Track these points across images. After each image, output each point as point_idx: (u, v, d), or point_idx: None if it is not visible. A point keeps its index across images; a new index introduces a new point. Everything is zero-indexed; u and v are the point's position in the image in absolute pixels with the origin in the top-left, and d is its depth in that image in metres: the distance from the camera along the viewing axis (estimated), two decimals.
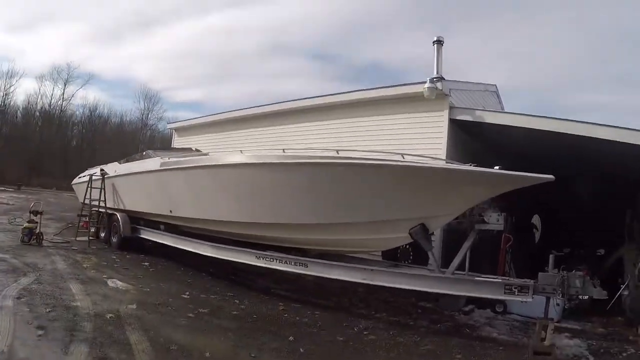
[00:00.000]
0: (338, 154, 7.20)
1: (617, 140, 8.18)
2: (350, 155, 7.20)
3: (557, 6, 66.62)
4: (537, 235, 13.09)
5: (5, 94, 48.75)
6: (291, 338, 5.85)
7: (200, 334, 5.73)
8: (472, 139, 10.91)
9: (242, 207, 8.02)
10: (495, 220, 6.51)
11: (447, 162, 7.87)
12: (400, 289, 6.93)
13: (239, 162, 8.06)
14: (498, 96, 14.32)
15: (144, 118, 58.32)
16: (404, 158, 6.66)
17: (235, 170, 7.98)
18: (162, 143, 41.24)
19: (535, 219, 13.46)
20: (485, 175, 5.89)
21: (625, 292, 8.14)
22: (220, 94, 78.27)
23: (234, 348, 5.36)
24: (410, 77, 75.04)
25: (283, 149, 8.04)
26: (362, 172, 6.51)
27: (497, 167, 5.78)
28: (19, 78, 50.49)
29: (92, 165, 14.77)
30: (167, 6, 78.25)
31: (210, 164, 8.68)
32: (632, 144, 8.03)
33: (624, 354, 6.46)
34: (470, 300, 8.30)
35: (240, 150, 8.58)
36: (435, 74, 10.15)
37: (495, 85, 14.15)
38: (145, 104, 58.14)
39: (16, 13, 71.12)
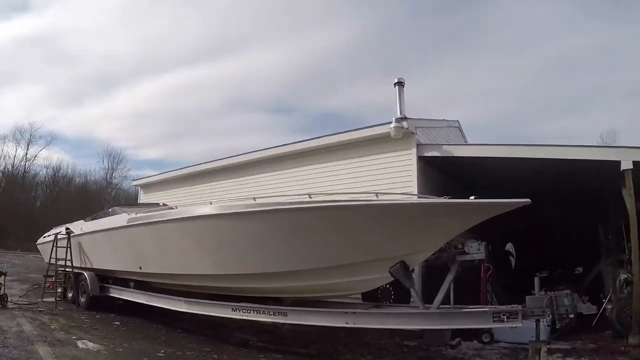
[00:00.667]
0: (310, 198, 7.06)
1: (589, 158, 8.51)
2: (323, 199, 7.03)
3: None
4: (513, 262, 13.14)
5: None
6: None
7: None
8: (441, 174, 11.01)
9: (214, 259, 7.70)
10: (476, 250, 6.36)
11: (419, 197, 7.83)
12: (383, 329, 6.73)
13: (208, 213, 7.76)
14: (461, 131, 14.66)
15: (108, 177, 57.52)
16: (377, 197, 6.57)
17: (205, 221, 7.69)
18: (127, 201, 40.44)
19: (509, 246, 13.53)
20: (461, 206, 5.82)
21: (609, 306, 8.25)
22: (183, 151, 76.88)
23: None
24: (366, 122, 76.36)
25: (254, 198, 7.85)
26: (337, 215, 6.32)
27: (472, 197, 5.72)
28: None
29: (58, 225, 14.29)
30: (126, 67, 78.80)
31: (179, 217, 8.38)
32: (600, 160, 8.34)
33: None
34: (455, 333, 8.19)
35: (210, 202, 8.35)
36: (399, 114, 10.26)
37: (458, 121, 14.53)
38: (109, 163, 57.38)
39: None
